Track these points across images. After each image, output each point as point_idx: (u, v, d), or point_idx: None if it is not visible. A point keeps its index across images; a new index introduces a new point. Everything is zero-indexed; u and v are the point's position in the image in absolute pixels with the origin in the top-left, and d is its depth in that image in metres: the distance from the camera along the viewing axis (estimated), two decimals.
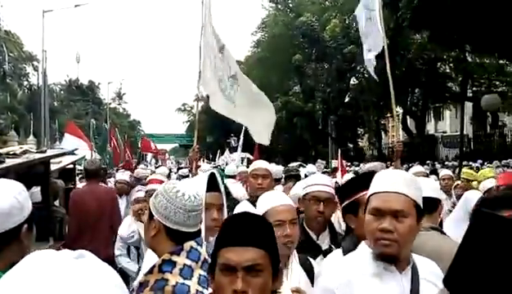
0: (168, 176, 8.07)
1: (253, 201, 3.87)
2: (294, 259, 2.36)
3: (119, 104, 64.27)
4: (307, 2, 32.71)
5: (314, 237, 2.89)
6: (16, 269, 0.75)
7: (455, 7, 15.03)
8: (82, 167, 6.98)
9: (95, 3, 72.33)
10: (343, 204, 2.48)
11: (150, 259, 2.02)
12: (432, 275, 1.82)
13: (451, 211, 5.96)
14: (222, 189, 2.51)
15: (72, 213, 5.44)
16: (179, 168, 14.98)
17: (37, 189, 5.24)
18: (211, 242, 1.87)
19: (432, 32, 19.75)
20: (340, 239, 2.94)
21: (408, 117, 28.70)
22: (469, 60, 24.49)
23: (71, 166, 6.78)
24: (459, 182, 6.64)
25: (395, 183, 1.81)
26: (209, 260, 1.73)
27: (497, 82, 25.58)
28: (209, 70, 5.02)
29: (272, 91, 32.76)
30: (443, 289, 0.67)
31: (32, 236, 1.71)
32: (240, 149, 12.32)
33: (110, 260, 4.46)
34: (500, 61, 22.84)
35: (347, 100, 29.32)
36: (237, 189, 6.43)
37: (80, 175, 7.76)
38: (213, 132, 41.92)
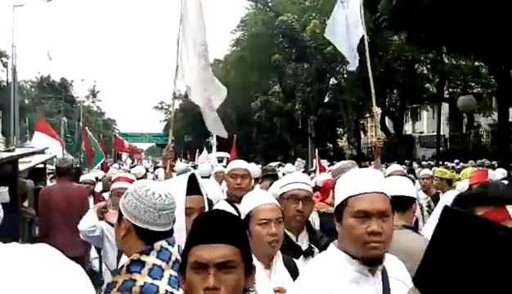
0: (145, 176, 7.93)
1: (231, 201, 3.84)
2: (278, 259, 2.33)
3: (93, 102, 63.52)
4: (286, 2, 32.76)
5: (293, 237, 2.84)
6: None
7: (432, 9, 15.23)
8: (53, 167, 6.83)
9: None
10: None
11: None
12: (399, 273, 1.79)
13: (428, 211, 6.00)
14: (204, 191, 2.48)
15: (41, 212, 5.32)
16: (155, 167, 14.83)
17: (4, 190, 5.10)
18: None
19: (410, 33, 20.01)
20: (318, 238, 2.90)
21: (386, 117, 29.00)
22: (446, 61, 24.91)
23: (41, 165, 6.61)
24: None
25: (375, 182, 1.77)
26: (180, 261, 1.69)
27: (473, 84, 26.06)
28: (188, 65, 4.93)
29: (252, 91, 32.83)
30: (414, 288, 0.66)
31: None
32: (214, 148, 12.23)
33: (78, 258, 4.34)
34: (476, 63, 23.28)
35: (326, 100, 29.51)
36: (212, 190, 6.35)
37: (51, 175, 7.59)
38: (191, 131, 41.73)
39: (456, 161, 17.01)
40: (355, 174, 1.86)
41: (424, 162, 19.12)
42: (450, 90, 27.11)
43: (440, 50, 22.47)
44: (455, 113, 26.38)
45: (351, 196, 1.75)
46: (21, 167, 5.43)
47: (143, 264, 1.78)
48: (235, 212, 3.07)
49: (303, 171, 9.74)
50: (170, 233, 1.91)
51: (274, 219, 2.29)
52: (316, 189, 4.28)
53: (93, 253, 5.47)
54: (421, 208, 5.50)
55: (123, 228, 1.87)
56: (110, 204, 3.85)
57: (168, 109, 52.88)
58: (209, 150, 18.25)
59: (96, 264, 5.24)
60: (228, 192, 4.18)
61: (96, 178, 7.71)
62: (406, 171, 7.92)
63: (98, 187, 7.26)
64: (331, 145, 32.03)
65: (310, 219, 3.23)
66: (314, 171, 10.61)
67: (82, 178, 7.14)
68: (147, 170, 11.69)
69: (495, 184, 1.69)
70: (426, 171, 7.24)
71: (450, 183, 6.11)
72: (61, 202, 5.36)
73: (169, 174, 4.23)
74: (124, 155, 28.20)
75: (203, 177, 7.69)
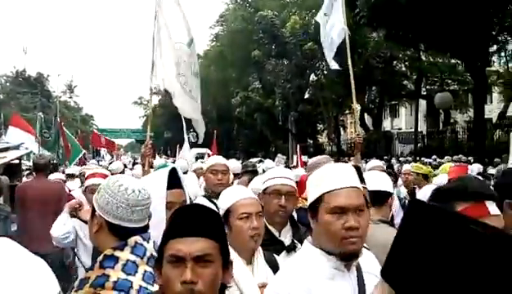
0: (122, 173, 7.83)
1: (210, 197, 3.82)
2: (259, 254, 2.31)
3: (70, 98, 62.35)
4: None
5: (276, 233, 2.83)
6: None
7: (410, 7, 15.41)
8: (29, 163, 6.69)
9: None
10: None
11: None
12: (371, 267, 1.80)
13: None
14: (185, 185, 2.46)
15: (17, 209, 5.23)
16: (134, 163, 14.66)
17: None
18: None
19: (388, 30, 20.21)
20: (302, 234, 2.91)
21: (365, 114, 29.28)
22: (424, 58, 25.24)
23: (16, 161, 6.47)
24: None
25: (349, 177, 1.76)
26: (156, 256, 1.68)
27: (449, 81, 26.46)
28: (166, 65, 4.91)
29: (232, 87, 32.72)
30: (381, 280, 0.66)
31: None
32: (187, 144, 12.14)
33: (55, 254, 4.28)
34: (453, 60, 23.64)
35: (306, 96, 29.55)
36: (190, 186, 6.32)
37: (27, 172, 7.44)
38: (171, 127, 41.39)
39: (434, 157, 17.29)
40: (328, 170, 1.83)
41: (402, 158, 19.39)
42: (427, 87, 27.50)
43: (418, 47, 22.75)
44: (432, 110, 26.78)
45: (326, 192, 1.73)
46: None
47: (117, 259, 1.76)
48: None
49: (284, 167, 9.75)
50: (145, 228, 1.89)
51: (254, 213, 2.28)
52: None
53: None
54: (404, 204, 5.56)
55: (96, 223, 1.85)
56: (84, 201, 3.79)
57: (148, 105, 52.39)
58: (190, 146, 18.08)
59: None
60: (207, 188, 4.15)
61: (71, 175, 7.59)
62: (385, 167, 8.02)
63: (74, 184, 7.14)
64: (311, 141, 32.18)
65: None
66: (295, 167, 10.65)
67: (50, 177, 6.94)
68: (125, 166, 11.54)
69: (473, 179, 1.70)
70: (408, 167, 7.29)
71: (426, 178, 6.19)
72: (38, 198, 5.29)
73: (148, 171, 4.18)
74: (103, 151, 27.76)
75: None
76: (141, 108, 60.29)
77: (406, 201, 5.97)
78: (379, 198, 2.86)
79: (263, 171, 6.78)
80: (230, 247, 2.23)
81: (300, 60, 27.00)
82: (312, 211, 1.77)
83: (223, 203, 2.36)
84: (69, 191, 6.21)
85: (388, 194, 2.98)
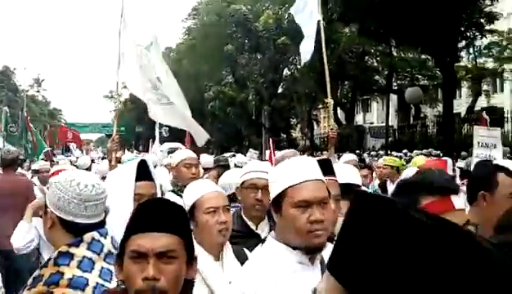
0: (89, 168, 7.64)
1: (179, 191, 3.75)
2: (228, 250, 2.28)
3: (38, 92, 60.80)
4: None
5: (253, 226, 2.81)
6: None
7: (381, 2, 15.59)
8: None
9: None
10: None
11: None
12: None
13: None
14: (155, 178, 2.41)
15: None
16: (103, 158, 14.41)
17: None
18: None
19: (360, 25, 20.42)
20: None
21: (338, 108, 29.55)
22: (395, 54, 25.63)
23: None
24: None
25: (312, 170, 1.74)
26: (114, 252, 1.69)
27: (420, 76, 26.94)
28: (133, 67, 4.84)
29: (205, 81, 32.50)
30: (327, 274, 0.65)
31: None
32: (157, 140, 12.03)
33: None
34: (423, 56, 24.07)
35: (280, 90, 29.66)
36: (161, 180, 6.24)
37: None
38: (142, 121, 40.85)
39: (404, 151, 17.59)
40: (291, 163, 1.80)
41: (373, 152, 19.67)
42: (398, 82, 27.95)
43: (389, 42, 23.07)
44: (403, 105, 27.23)
45: (290, 186, 1.70)
46: None
47: (72, 256, 1.71)
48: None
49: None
50: (101, 224, 1.84)
51: (222, 206, 2.24)
52: None
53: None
54: None
55: (49, 220, 1.81)
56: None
57: (119, 99, 51.47)
58: (162, 141, 17.92)
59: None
60: (175, 182, 4.08)
61: (36, 171, 7.39)
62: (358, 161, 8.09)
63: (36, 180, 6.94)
64: (285, 136, 32.31)
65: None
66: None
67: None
68: (93, 161, 11.30)
69: (438, 172, 1.71)
70: (381, 161, 7.38)
71: (399, 171, 6.26)
72: (5, 194, 5.21)
73: (115, 166, 4.07)
74: (72, 146, 27.15)
75: None
76: (112, 102, 59.24)
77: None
78: (349, 191, 2.83)
79: (235, 166, 6.74)
80: (196, 243, 2.15)
81: (273, 55, 27.04)
82: (276, 206, 1.74)
83: (188, 198, 2.31)
84: None
85: (358, 187, 2.97)
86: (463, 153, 14.18)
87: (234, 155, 11.42)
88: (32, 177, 6.93)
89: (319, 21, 5.54)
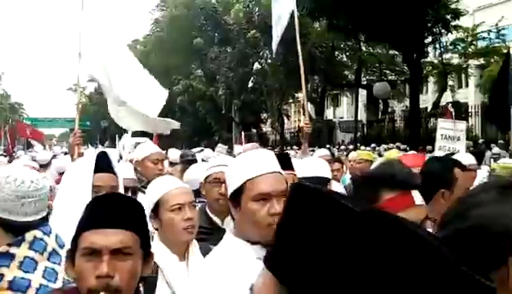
0: (49, 164, 7.39)
1: (143, 187, 3.61)
2: (195, 248, 2.20)
3: None
4: None
5: (218, 222, 2.78)
6: None
7: None
8: None
9: None
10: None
11: None
12: None
13: None
14: (117, 170, 2.33)
15: None
16: (66, 153, 14.01)
17: None
18: None
19: (330, 20, 20.53)
20: None
21: (309, 103, 29.70)
22: (364, 49, 25.92)
23: None
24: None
25: (269, 163, 1.71)
26: (59, 251, 1.66)
27: (388, 71, 27.33)
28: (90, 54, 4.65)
29: (173, 74, 32.05)
30: (264, 268, 0.64)
31: None
32: (129, 134, 11.76)
33: None
34: (391, 52, 24.42)
35: (250, 84, 29.54)
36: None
37: None
38: (109, 116, 40.08)
39: (373, 145, 17.84)
40: (248, 157, 1.76)
41: (342, 147, 19.87)
42: (367, 77, 28.29)
43: (358, 38, 23.29)
44: (372, 100, 27.60)
45: (248, 180, 1.66)
46: None
47: (12, 257, 1.62)
48: None
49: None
50: (43, 222, 1.75)
51: (187, 203, 2.17)
52: None
53: None
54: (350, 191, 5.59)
55: None
56: None
57: (84, 92, 50.36)
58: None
59: None
60: (140, 178, 3.89)
61: None
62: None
63: None
64: (255, 130, 32.28)
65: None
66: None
67: None
68: (55, 156, 10.96)
69: (400, 166, 1.67)
70: (354, 154, 7.40)
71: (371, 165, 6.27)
72: None
73: None
74: (34, 142, 26.33)
75: None
76: (76, 95, 57.69)
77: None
78: (318, 184, 2.86)
79: (202, 161, 6.64)
80: (160, 242, 2.15)
81: (243, 48, 26.88)
82: (234, 201, 1.70)
83: (152, 195, 2.23)
84: None
85: (327, 180, 3.02)
86: (428, 147, 14.47)
87: (202, 150, 11.27)
88: None
89: (293, 12, 5.49)
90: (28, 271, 1.62)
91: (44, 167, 7.24)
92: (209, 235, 2.50)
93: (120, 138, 17.75)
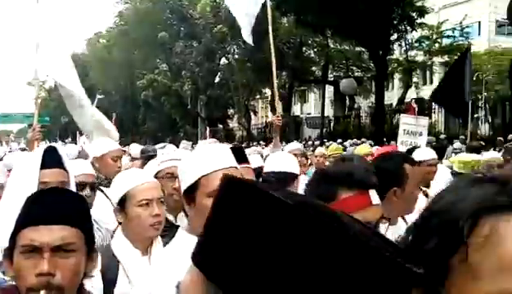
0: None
1: (100, 184, 3.53)
2: (158, 243, 2.16)
3: None
4: None
5: (171, 218, 2.72)
6: None
7: None
8: None
9: None
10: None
11: None
12: None
13: None
14: (68, 166, 2.28)
15: None
16: (24, 149, 13.45)
17: None
18: None
19: (297, 16, 20.54)
20: None
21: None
22: (331, 46, 26.09)
23: None
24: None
25: (225, 158, 1.68)
26: None
27: (354, 68, 27.62)
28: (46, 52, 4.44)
29: (137, 68, 31.45)
30: (191, 265, 0.63)
31: None
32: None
33: None
34: (358, 48, 24.66)
35: (217, 80, 29.30)
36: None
37: None
38: (67, 111, 39.03)
39: (339, 141, 17.96)
40: (203, 152, 1.74)
41: (309, 142, 19.95)
42: (334, 73, 28.52)
43: (325, 34, 23.39)
44: (338, 96, 27.84)
45: (203, 175, 1.61)
46: None
47: None
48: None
49: None
50: None
51: (156, 199, 2.13)
52: None
53: None
54: None
55: None
56: None
57: (43, 86, 48.78)
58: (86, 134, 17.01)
59: None
60: (97, 175, 3.69)
61: None
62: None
63: None
64: (222, 126, 32.10)
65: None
66: None
67: None
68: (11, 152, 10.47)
69: (358, 164, 1.64)
70: (320, 150, 7.37)
71: None
72: None
73: None
74: None
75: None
76: (34, 89, 55.98)
77: None
78: (284, 179, 2.90)
79: None
80: (123, 236, 2.13)
81: (210, 43, 26.58)
82: (188, 197, 1.65)
83: (119, 188, 2.18)
84: None
85: (294, 176, 3.02)
86: (392, 143, 14.63)
87: (164, 146, 10.97)
88: None
89: (265, 3, 5.37)
90: None
91: None
92: (163, 232, 2.37)
93: (81, 134, 17.25)
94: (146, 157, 5.80)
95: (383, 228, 1.62)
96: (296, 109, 36.94)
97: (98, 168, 3.72)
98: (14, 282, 1.39)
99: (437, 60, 24.24)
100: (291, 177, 3.00)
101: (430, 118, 19.02)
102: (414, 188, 2.21)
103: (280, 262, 0.54)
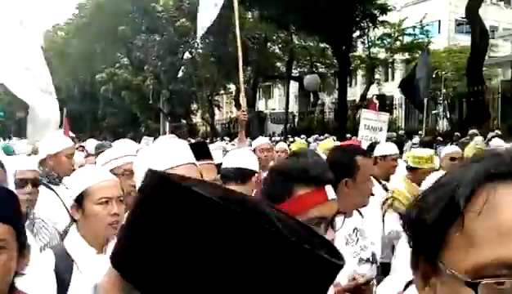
0: None
1: (50, 182, 3.49)
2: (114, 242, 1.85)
3: None
4: None
5: None
6: None
7: None
8: None
9: None
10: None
11: None
12: None
13: None
14: (5, 162, 2.22)
15: None
16: None
17: None
18: None
19: (261, 11, 20.45)
20: None
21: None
22: (296, 42, 26.18)
23: None
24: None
25: (183, 154, 1.68)
26: None
27: (318, 64, 27.81)
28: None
29: (97, 62, 30.60)
30: (109, 266, 0.60)
31: None
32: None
33: None
34: (321, 45, 24.84)
35: (180, 74, 28.86)
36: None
37: None
38: (24, 107, 37.72)
39: (302, 136, 18.02)
40: (160, 148, 1.73)
41: (273, 138, 19.92)
42: (298, 69, 28.64)
43: (289, 29, 23.42)
44: (303, 92, 27.97)
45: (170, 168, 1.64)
46: None
47: None
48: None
49: None
50: None
51: (115, 197, 2.09)
52: None
53: None
54: None
55: None
56: None
57: None
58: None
59: None
60: (47, 172, 3.63)
61: None
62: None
63: None
64: (185, 122, 31.71)
65: None
66: None
67: None
68: None
69: (313, 160, 1.61)
70: (281, 145, 7.31)
71: None
72: None
73: None
74: None
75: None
76: None
77: None
78: (242, 176, 2.93)
79: None
80: (79, 234, 2.09)
81: (172, 37, 26.13)
82: None
83: (77, 185, 2.11)
84: None
85: (253, 172, 3.02)
86: (354, 138, 14.79)
87: (124, 142, 10.67)
88: None
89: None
90: None
91: None
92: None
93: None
94: (101, 153, 5.59)
95: (339, 221, 1.58)
96: (261, 105, 36.95)
97: (52, 166, 3.61)
98: None
99: (398, 57, 24.71)
100: (249, 174, 3.00)
101: (391, 114, 19.35)
102: (365, 178, 2.22)
103: (200, 260, 0.52)
